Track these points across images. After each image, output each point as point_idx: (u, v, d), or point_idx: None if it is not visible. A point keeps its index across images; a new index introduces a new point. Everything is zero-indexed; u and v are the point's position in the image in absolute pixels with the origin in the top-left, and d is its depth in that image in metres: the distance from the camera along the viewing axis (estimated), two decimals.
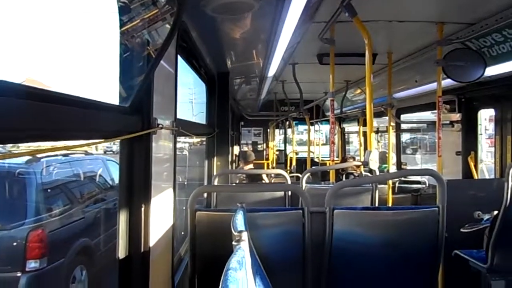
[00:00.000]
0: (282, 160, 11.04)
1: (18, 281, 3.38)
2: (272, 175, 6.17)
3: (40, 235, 3.53)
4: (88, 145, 1.18)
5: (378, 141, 8.12)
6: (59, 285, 3.63)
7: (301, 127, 12.54)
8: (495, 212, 2.88)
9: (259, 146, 11.13)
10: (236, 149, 9.49)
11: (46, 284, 3.49)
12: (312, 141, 9.93)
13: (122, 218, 1.61)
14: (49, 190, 3.90)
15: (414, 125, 6.45)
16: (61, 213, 3.88)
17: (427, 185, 4.75)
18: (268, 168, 9.73)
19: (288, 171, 8.77)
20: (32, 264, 3.31)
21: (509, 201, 2.72)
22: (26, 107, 0.91)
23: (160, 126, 1.73)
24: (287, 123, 10.45)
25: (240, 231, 1.31)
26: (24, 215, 3.62)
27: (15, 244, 3.52)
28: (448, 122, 4.72)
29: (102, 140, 1.34)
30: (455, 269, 3.32)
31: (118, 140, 1.52)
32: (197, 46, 2.92)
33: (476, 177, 4.48)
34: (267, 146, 10.96)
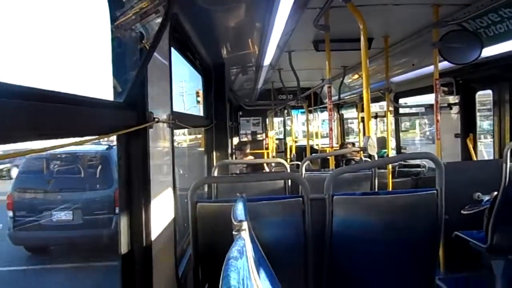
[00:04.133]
0: (282, 149, 11.05)
1: (113, 219, 5.41)
2: (272, 164, 6.19)
3: None
4: (84, 142, 1.17)
5: (377, 126, 8.11)
6: None
7: (302, 118, 12.54)
8: (495, 193, 2.90)
9: (258, 136, 11.13)
10: (236, 140, 9.49)
11: None
12: (312, 130, 9.94)
13: (123, 214, 1.62)
14: None
15: (413, 109, 6.44)
16: None
17: (426, 168, 4.76)
18: (268, 157, 9.74)
19: (288, 160, 8.81)
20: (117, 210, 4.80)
21: (507, 181, 2.73)
22: (19, 107, 0.91)
23: (156, 119, 1.73)
24: (286, 111, 10.43)
25: (240, 221, 1.32)
26: (112, 182, 5.72)
27: (109, 198, 5.60)
28: (446, 104, 4.72)
29: (98, 136, 1.34)
30: (456, 250, 3.35)
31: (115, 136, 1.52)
32: (191, 38, 2.90)
33: (475, 159, 4.49)
34: (267, 136, 10.96)
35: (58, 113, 1.07)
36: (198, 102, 9.18)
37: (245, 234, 1.21)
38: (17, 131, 0.92)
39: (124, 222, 1.62)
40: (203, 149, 4.56)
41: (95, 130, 1.30)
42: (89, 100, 1.25)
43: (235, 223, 1.34)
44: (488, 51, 3.53)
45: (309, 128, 8.35)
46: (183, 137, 7.09)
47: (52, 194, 5.72)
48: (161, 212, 1.89)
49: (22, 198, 5.56)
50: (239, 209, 1.61)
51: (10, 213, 5.42)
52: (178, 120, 2.20)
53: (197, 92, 9.31)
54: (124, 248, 1.61)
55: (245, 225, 1.26)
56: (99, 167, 6.15)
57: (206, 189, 3.63)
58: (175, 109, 2.17)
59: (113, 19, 1.61)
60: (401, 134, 6.79)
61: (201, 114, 4.46)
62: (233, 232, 1.21)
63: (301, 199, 1.99)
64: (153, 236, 1.71)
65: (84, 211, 5.66)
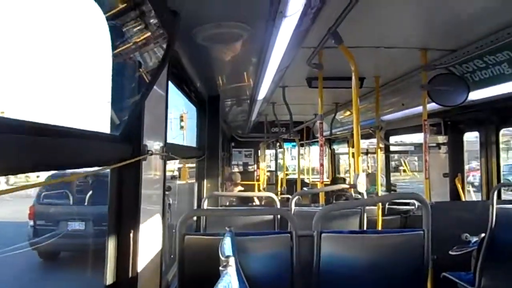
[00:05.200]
0: (273, 181, 11.03)
1: None
2: (263, 196, 6.17)
3: None
4: (80, 176, 1.19)
5: (368, 163, 8.18)
6: None
7: (294, 152, 12.59)
8: (482, 235, 2.93)
9: (250, 167, 11.13)
10: (227, 170, 9.48)
11: None
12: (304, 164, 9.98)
13: (111, 244, 1.61)
14: None
15: (402, 147, 6.54)
16: None
17: (416, 206, 4.79)
18: (259, 188, 9.72)
19: (279, 192, 8.78)
20: None
21: (494, 224, 2.77)
22: (16, 141, 0.93)
23: (150, 152, 1.75)
24: (278, 144, 10.50)
25: (227, 256, 1.32)
26: None
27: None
28: (435, 144, 4.81)
29: (93, 169, 1.35)
30: None
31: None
32: (187, 71, 2.97)
33: (463, 199, 4.54)
34: (258, 167, 10.96)
35: (54, 146, 1.09)
36: (181, 127, 9.22)
37: (231, 270, 1.21)
38: (15, 163, 0.94)
39: (111, 252, 1.60)
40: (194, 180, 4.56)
41: (91, 163, 1.32)
42: (86, 134, 1.27)
43: (222, 258, 1.35)
44: (475, 95, 3.66)
45: (301, 162, 8.39)
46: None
47: (67, 207, 6.64)
48: (149, 243, 1.87)
49: (41, 210, 6.50)
50: (227, 243, 1.61)
51: (31, 222, 6.39)
52: (171, 152, 2.23)
53: (181, 117, 9.35)
54: (109, 278, 1.59)
55: (232, 261, 1.27)
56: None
57: (195, 219, 3.60)
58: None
59: (113, 48, 1.66)
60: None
61: (194, 144, 4.49)
62: (220, 268, 1.21)
63: (289, 235, 1.99)
64: (139, 268, 1.70)
65: (95, 223, 6.42)
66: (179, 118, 9.18)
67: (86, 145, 1.26)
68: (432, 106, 3.87)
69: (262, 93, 4.45)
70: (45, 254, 6.53)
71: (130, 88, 1.67)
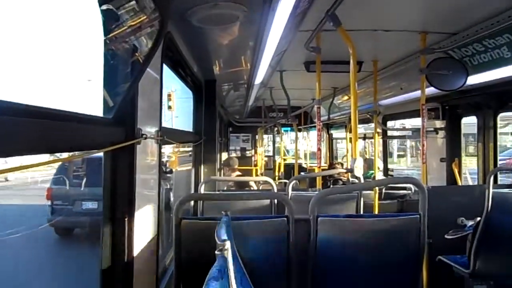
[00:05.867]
0: (270, 166, 11.06)
1: None
2: (260, 181, 6.18)
3: None
4: (72, 158, 1.18)
5: (365, 148, 8.20)
6: None
7: (293, 135, 12.58)
8: (478, 219, 2.94)
9: (247, 152, 11.13)
10: (224, 155, 9.49)
11: None
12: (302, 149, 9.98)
13: (106, 228, 1.60)
14: None
15: (400, 132, 6.54)
16: None
17: (413, 190, 4.81)
18: (256, 174, 9.74)
19: (277, 177, 8.81)
20: None
21: (490, 208, 2.78)
22: (8, 123, 0.91)
23: (144, 136, 1.73)
24: (276, 129, 10.49)
25: (223, 240, 1.32)
26: None
27: None
28: (432, 129, 4.80)
29: (85, 152, 1.34)
30: (439, 274, 3.37)
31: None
32: (183, 55, 2.93)
33: (460, 183, 4.55)
34: (256, 152, 10.97)
35: (45, 129, 1.07)
36: (169, 107, 9.06)
37: (227, 254, 1.21)
38: (7, 146, 0.92)
39: (106, 237, 1.60)
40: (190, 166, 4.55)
41: (83, 146, 1.30)
42: (79, 116, 1.25)
43: (218, 242, 1.34)
44: (473, 79, 3.63)
45: (298, 147, 8.39)
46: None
47: (81, 189, 7.11)
48: (145, 228, 1.87)
49: (58, 191, 7.09)
50: (223, 228, 1.61)
51: (49, 202, 6.93)
52: (167, 136, 2.21)
53: (169, 95, 9.14)
54: (105, 263, 1.59)
55: (227, 244, 1.26)
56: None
57: (192, 204, 3.60)
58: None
59: (106, 32, 1.62)
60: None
61: (191, 129, 4.47)
62: (216, 252, 1.21)
63: (285, 219, 1.99)
64: (135, 252, 1.69)
65: None
66: (167, 97, 8.85)
67: (77, 128, 1.24)
68: (430, 90, 3.84)
69: (259, 78, 4.41)
70: (61, 230, 7.09)
71: (124, 72, 1.64)
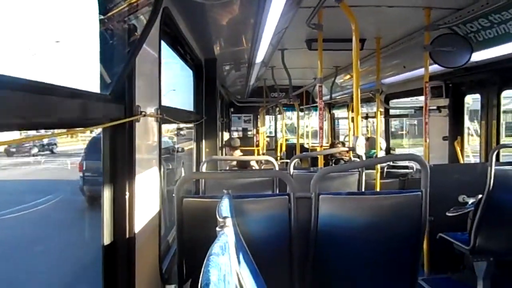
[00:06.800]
0: (272, 146, 11.06)
1: None
2: (262, 160, 6.19)
3: None
4: (67, 133, 1.17)
5: (368, 127, 8.16)
6: None
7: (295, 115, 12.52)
8: (480, 196, 2.94)
9: (249, 132, 11.12)
10: (226, 136, 9.48)
11: None
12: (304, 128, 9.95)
13: (106, 205, 1.61)
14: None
15: (403, 110, 6.49)
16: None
17: (414, 169, 4.81)
18: (258, 154, 9.75)
19: (278, 157, 8.82)
20: None
21: (492, 185, 2.78)
22: (3, 97, 0.90)
23: (143, 113, 1.71)
24: (277, 109, 10.45)
25: (225, 217, 1.32)
26: None
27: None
28: (435, 107, 4.76)
29: (82, 128, 1.32)
30: (440, 251, 3.40)
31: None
32: (182, 32, 2.88)
33: (462, 162, 4.54)
34: (257, 132, 10.96)
35: (42, 103, 1.06)
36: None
37: (228, 231, 1.20)
38: (3, 120, 0.91)
39: (107, 214, 1.61)
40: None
41: (80, 122, 1.28)
42: (74, 92, 1.23)
43: (219, 219, 1.34)
44: (478, 56, 3.57)
45: (300, 126, 8.36)
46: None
47: None
48: (146, 206, 1.88)
49: (87, 165, 7.91)
50: (224, 205, 1.61)
51: (80, 174, 7.98)
52: (167, 115, 2.19)
53: None
54: (106, 239, 1.60)
55: (229, 221, 1.26)
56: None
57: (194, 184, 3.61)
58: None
59: (103, 10, 1.59)
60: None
61: (192, 109, 4.44)
62: (217, 229, 1.21)
63: (287, 197, 1.99)
64: (137, 229, 1.70)
65: None
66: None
67: (74, 103, 1.23)
68: (433, 68, 3.79)
69: (260, 56, 4.35)
70: (91, 198, 7.72)
71: (122, 51, 1.61)
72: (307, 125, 11.11)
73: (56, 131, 1.16)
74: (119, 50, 1.62)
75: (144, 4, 1.67)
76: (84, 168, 8.06)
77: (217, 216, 1.43)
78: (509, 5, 2.87)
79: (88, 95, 1.36)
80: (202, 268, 0.86)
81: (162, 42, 2.20)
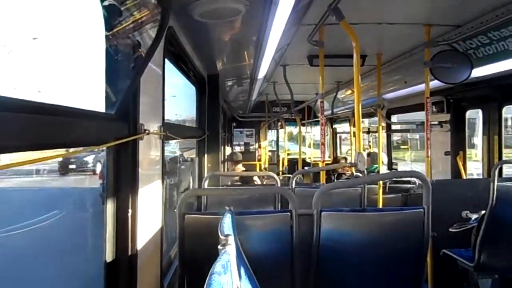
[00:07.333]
0: (274, 161, 11.06)
1: None
2: (264, 175, 6.19)
3: None
4: (73, 154, 1.19)
5: (369, 142, 8.17)
6: None
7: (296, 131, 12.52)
8: (483, 212, 2.93)
9: (251, 147, 11.13)
10: (228, 150, 9.50)
11: None
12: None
13: (109, 222, 1.61)
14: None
15: (404, 125, 6.51)
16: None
17: (417, 184, 4.79)
18: (260, 168, 9.74)
19: (280, 172, 8.81)
20: None
21: (495, 201, 2.77)
22: (11, 119, 0.92)
23: (147, 131, 1.73)
24: (279, 124, 10.48)
25: (227, 235, 1.32)
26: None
27: None
28: (437, 122, 4.78)
29: (87, 148, 1.34)
30: (444, 267, 3.37)
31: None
32: (185, 49, 2.92)
33: (464, 177, 4.53)
34: (259, 147, 10.97)
35: (48, 124, 1.08)
36: None
37: (230, 249, 1.21)
38: (8, 142, 0.93)
39: (110, 230, 1.61)
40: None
41: (85, 141, 1.30)
42: (80, 112, 1.25)
43: (221, 237, 1.35)
44: (478, 72, 3.60)
45: (302, 141, 8.37)
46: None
47: None
48: (148, 222, 1.88)
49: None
50: (226, 223, 1.61)
51: (100, 181, 8.38)
52: (170, 132, 2.21)
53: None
54: (109, 256, 1.60)
55: (231, 239, 1.26)
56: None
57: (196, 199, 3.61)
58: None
59: (109, 27, 1.62)
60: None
61: (194, 124, 4.47)
62: (219, 247, 1.21)
63: (289, 214, 1.99)
64: (139, 246, 1.70)
65: None
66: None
67: (80, 124, 1.25)
68: (434, 84, 3.82)
69: (262, 72, 4.40)
70: None
71: (126, 67, 1.64)
72: (311, 137, 11.12)
73: (60, 151, 1.17)
74: (124, 67, 1.65)
75: (149, 21, 1.71)
76: (103, 176, 8.89)
77: (219, 234, 1.44)
78: (507, 23, 2.91)
79: (94, 115, 1.38)
80: (204, 287, 0.86)
81: (166, 60, 2.23)
